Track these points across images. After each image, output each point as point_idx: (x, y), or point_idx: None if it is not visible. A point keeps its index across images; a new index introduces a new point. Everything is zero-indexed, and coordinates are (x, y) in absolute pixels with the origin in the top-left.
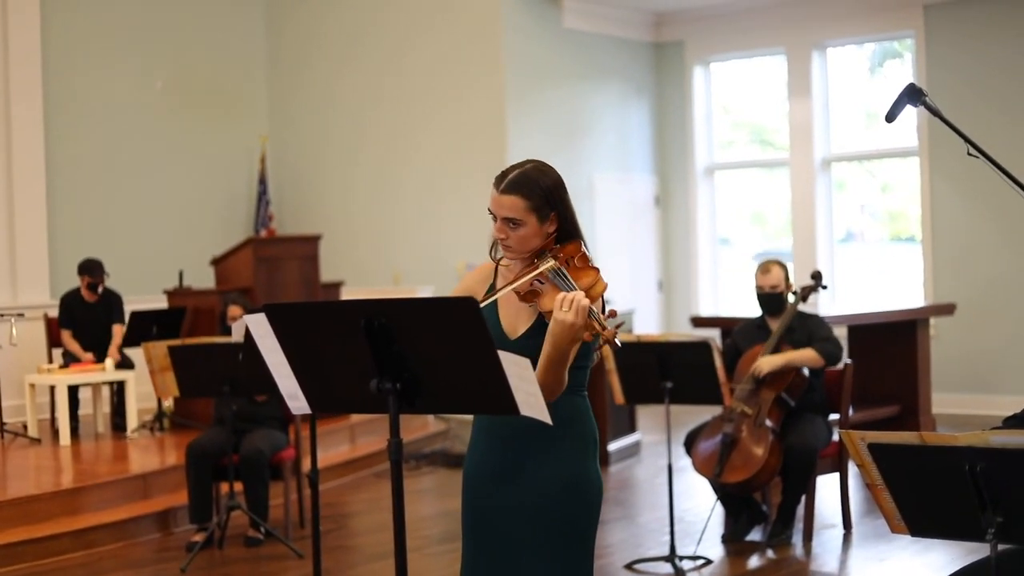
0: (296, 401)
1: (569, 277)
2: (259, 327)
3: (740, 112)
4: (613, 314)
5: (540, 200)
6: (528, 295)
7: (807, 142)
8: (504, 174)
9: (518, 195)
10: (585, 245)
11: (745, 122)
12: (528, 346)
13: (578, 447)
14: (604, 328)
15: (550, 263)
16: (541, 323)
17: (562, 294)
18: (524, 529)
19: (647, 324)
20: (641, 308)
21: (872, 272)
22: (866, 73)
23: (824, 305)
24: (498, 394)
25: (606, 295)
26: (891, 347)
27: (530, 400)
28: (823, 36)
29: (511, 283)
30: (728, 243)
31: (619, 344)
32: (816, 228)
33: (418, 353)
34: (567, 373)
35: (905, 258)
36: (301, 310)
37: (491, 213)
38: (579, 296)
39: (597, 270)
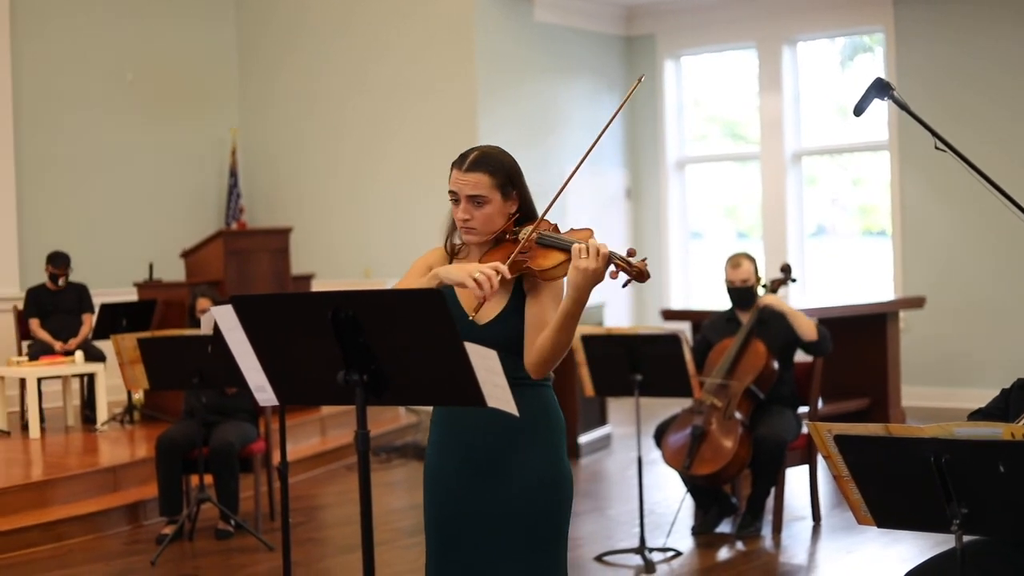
0: (263, 393)
1: (559, 235)
2: (226, 319)
3: (712, 106)
4: (632, 253)
5: (503, 177)
6: (514, 265)
7: (778, 136)
8: (464, 155)
9: (483, 172)
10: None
11: (717, 116)
12: (499, 332)
13: (549, 441)
14: (631, 264)
15: (531, 234)
16: (513, 307)
17: (576, 244)
18: (498, 528)
19: (618, 317)
20: (612, 301)
21: (843, 266)
22: (837, 67)
23: (794, 298)
24: (465, 386)
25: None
26: (861, 340)
27: (496, 392)
28: (793, 31)
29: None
30: (700, 236)
31: (649, 274)
32: (787, 222)
33: (385, 345)
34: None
35: (876, 252)
36: (268, 302)
37: (452, 196)
38: (594, 242)
39: (588, 229)
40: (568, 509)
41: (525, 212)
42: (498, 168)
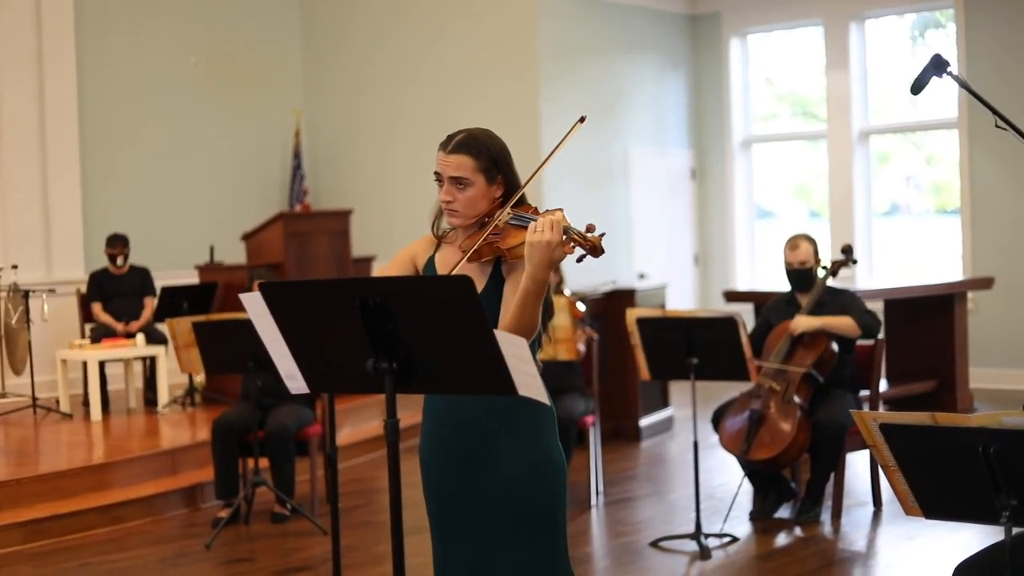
0: (294, 381)
1: (527, 214)
2: (255, 306)
3: (783, 84)
4: (591, 228)
5: (488, 161)
6: (484, 248)
7: (845, 114)
8: (450, 136)
9: (466, 154)
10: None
11: (788, 94)
12: None
13: (538, 427)
14: (585, 238)
15: (503, 216)
16: (494, 285)
17: (533, 222)
18: (491, 516)
19: (682, 299)
20: (676, 282)
21: (916, 245)
22: (907, 43)
23: (861, 279)
24: (495, 374)
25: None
26: (928, 322)
27: (527, 380)
28: (861, 7)
29: (468, 251)
30: (772, 216)
31: (604, 250)
32: (854, 201)
33: (414, 332)
34: None
35: (950, 231)
36: (296, 289)
37: (436, 178)
38: (550, 215)
39: (559, 209)
40: (561, 494)
41: (510, 197)
42: (482, 151)
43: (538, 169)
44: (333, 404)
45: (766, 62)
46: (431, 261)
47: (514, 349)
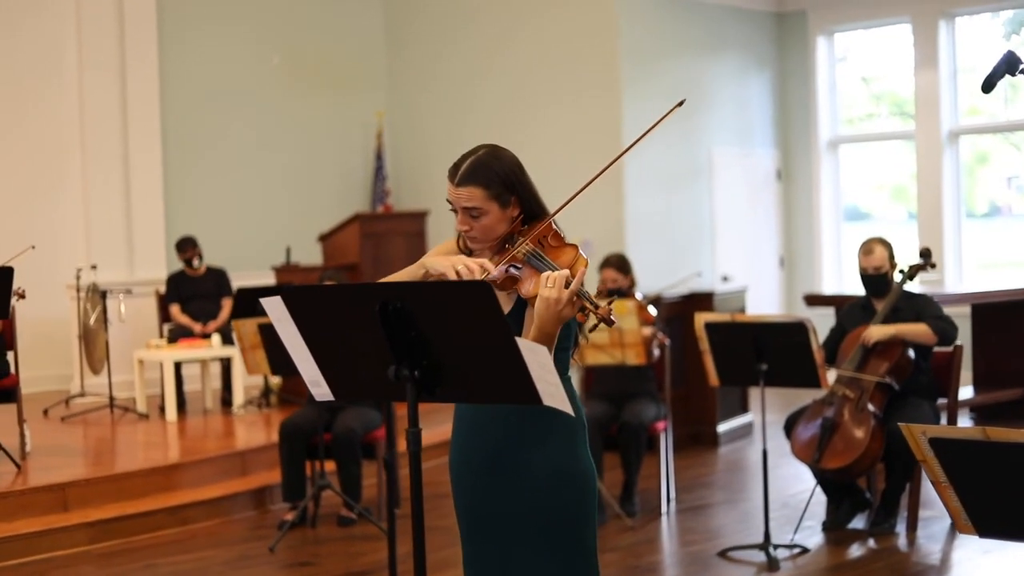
0: (319, 388)
1: (546, 257)
2: (276, 311)
3: (880, 83)
4: (603, 291)
5: (499, 187)
6: (507, 282)
7: (934, 114)
8: (456, 165)
9: (474, 185)
10: (556, 223)
11: (887, 93)
12: None
13: (566, 435)
14: (597, 307)
15: (523, 246)
16: (520, 308)
17: (546, 273)
18: (518, 524)
19: (766, 302)
20: (760, 285)
21: (1018, 248)
22: (1001, 42)
23: (951, 283)
24: (519, 383)
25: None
26: (1016, 327)
27: (551, 390)
28: (950, 4)
29: (487, 273)
30: (868, 218)
31: (614, 320)
32: (943, 202)
33: (435, 339)
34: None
35: None
36: (317, 293)
37: (451, 207)
38: (562, 272)
39: (575, 247)
40: (589, 504)
41: (530, 211)
42: (491, 179)
43: (623, 153)
44: (391, 409)
45: (857, 61)
46: None
47: (537, 357)
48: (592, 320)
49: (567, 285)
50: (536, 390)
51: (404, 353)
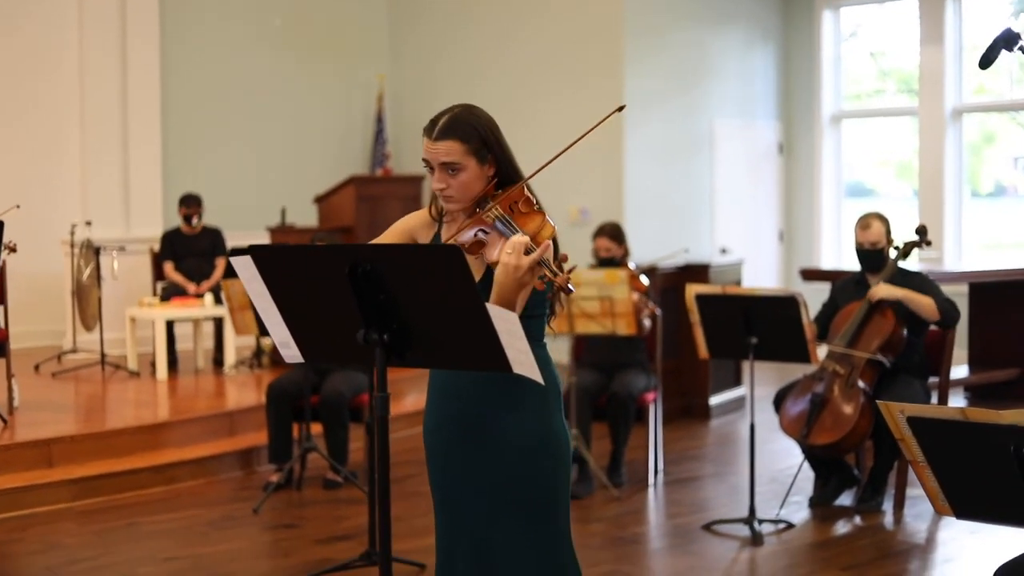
0: (288, 349)
1: (514, 223)
2: (246, 270)
3: (888, 58)
4: (565, 258)
5: (478, 142)
6: (474, 247)
7: (938, 91)
8: (434, 121)
9: (454, 139)
10: (529, 188)
11: (895, 70)
12: None
13: (540, 402)
14: (556, 274)
15: (492, 210)
16: (491, 275)
17: (509, 239)
18: (491, 490)
19: (765, 275)
20: (759, 259)
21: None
22: (1009, 20)
23: (949, 261)
24: (488, 349)
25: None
26: (1014, 307)
27: (520, 357)
28: None
29: (454, 235)
30: (872, 195)
31: (572, 289)
32: (944, 180)
33: (405, 303)
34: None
35: None
36: (286, 253)
37: (426, 165)
38: (522, 238)
39: (543, 213)
40: (563, 472)
41: (505, 173)
42: (471, 133)
43: (557, 155)
44: (376, 373)
45: (866, 36)
46: (437, 239)
47: (506, 324)
48: (551, 288)
49: (528, 252)
50: (506, 357)
51: (374, 316)
